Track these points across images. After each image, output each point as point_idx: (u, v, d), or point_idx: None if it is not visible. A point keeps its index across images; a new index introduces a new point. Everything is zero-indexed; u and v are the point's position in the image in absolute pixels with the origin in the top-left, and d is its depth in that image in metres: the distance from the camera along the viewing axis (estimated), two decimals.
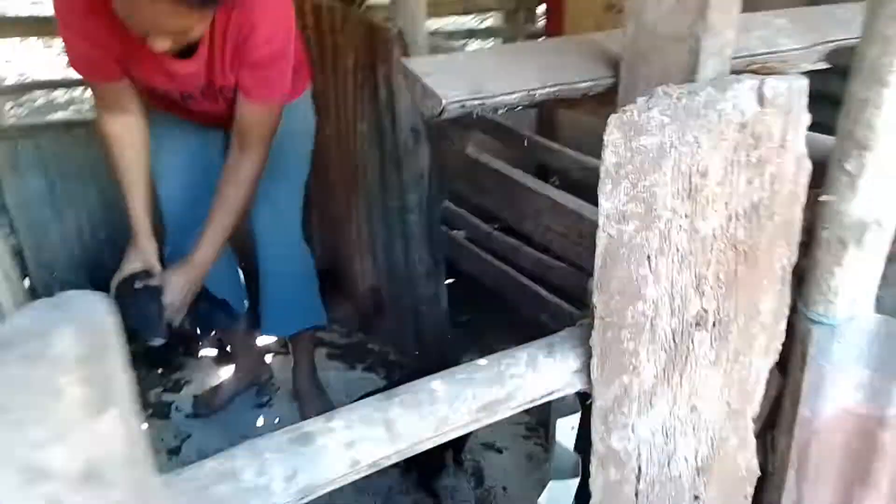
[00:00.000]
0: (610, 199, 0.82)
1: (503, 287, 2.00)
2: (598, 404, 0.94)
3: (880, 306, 0.94)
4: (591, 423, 0.97)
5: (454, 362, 2.46)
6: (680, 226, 0.83)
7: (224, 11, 1.47)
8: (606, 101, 1.29)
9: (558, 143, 1.92)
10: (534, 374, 0.92)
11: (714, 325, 0.90)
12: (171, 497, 0.72)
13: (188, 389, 2.50)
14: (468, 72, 1.20)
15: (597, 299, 0.87)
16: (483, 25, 5.16)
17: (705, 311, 0.89)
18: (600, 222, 0.83)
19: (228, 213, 1.69)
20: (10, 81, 5.06)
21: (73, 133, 2.74)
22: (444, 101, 1.11)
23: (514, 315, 2.17)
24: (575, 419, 1.04)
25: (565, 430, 1.05)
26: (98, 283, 2.85)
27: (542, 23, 3.48)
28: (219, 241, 1.72)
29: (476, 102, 1.15)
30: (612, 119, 0.78)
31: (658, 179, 0.80)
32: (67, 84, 3.78)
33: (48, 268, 2.82)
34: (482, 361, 0.91)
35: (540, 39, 3.28)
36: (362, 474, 0.81)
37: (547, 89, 1.20)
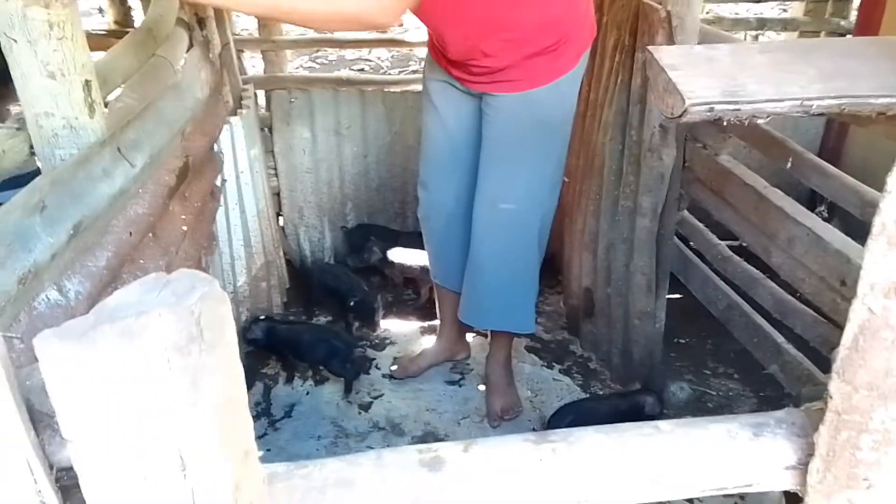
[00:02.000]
0: (880, 263, 0.59)
1: (731, 320, 1.73)
2: None
3: None
4: None
5: (659, 387, 2.25)
6: None
7: None
8: None
9: (842, 166, 1.59)
10: (730, 457, 0.73)
11: None
12: (287, 490, 0.67)
13: (390, 350, 2.58)
14: (727, 68, 0.99)
15: (835, 387, 0.65)
16: (781, 15, 4.57)
17: None
18: (860, 290, 0.61)
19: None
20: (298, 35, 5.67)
21: (343, 91, 2.92)
22: (686, 102, 0.93)
23: (742, 352, 1.88)
24: None
25: None
26: (337, 232, 3.12)
27: (854, 17, 2.93)
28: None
29: (729, 107, 0.95)
30: None
31: None
32: (354, 43, 4.06)
33: (298, 210, 3.08)
34: (665, 425, 0.74)
35: (845, 38, 2.78)
36: None
37: (828, 101, 0.95)
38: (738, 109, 0.94)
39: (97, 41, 2.55)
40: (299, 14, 1.43)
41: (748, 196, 1.59)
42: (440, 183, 2.13)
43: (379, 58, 5.71)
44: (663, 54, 1.02)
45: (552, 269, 2.72)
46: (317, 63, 5.93)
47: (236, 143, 2.34)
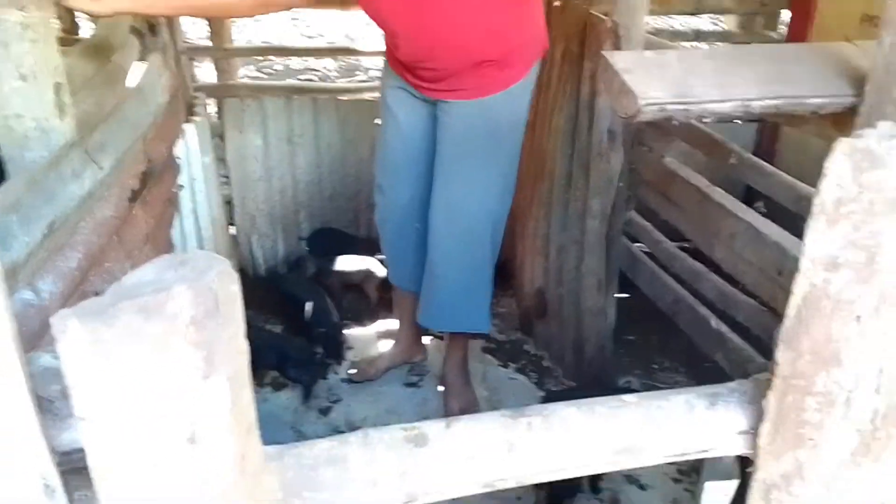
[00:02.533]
0: (821, 240, 0.67)
1: (678, 314, 1.83)
2: (761, 477, 0.80)
3: None
4: (747, 494, 0.82)
5: (610, 382, 2.34)
6: None
7: None
8: (841, 123, 1.10)
9: (778, 164, 1.70)
10: (689, 425, 0.80)
11: None
12: (278, 470, 0.70)
13: (348, 354, 2.59)
14: (676, 72, 1.08)
15: (782, 355, 0.73)
16: (715, 28, 4.80)
17: None
18: (802, 265, 0.68)
19: None
20: (245, 44, 5.61)
21: (295, 99, 2.93)
22: (640, 102, 1.00)
23: (687, 346, 1.98)
24: (729, 487, 0.90)
25: (716, 496, 0.90)
26: (290, 240, 3.11)
27: (784, 30, 3.12)
28: None
29: (679, 107, 1.03)
30: (842, 144, 0.63)
31: (890, 226, 0.64)
32: (302, 52, 4.06)
33: (251, 219, 3.07)
34: (630, 398, 0.80)
35: (782, 45, 2.95)
36: (473, 492, 0.75)
37: (767, 101, 1.04)
38: (687, 110, 1.03)
39: None
40: (218, 4, 1.47)
41: (692, 195, 1.69)
42: (396, 187, 2.17)
43: (326, 67, 5.72)
44: (617, 59, 1.10)
45: (505, 274, 2.78)
46: (263, 73, 5.89)
47: (190, 150, 2.33)
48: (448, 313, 2.17)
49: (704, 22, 5.29)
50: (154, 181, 1.57)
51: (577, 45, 2.04)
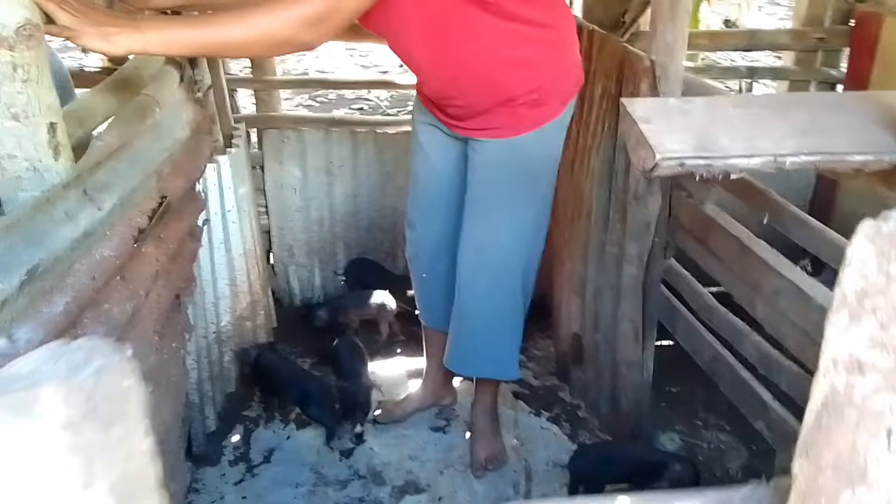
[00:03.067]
0: (842, 338, 0.56)
1: (717, 374, 1.69)
2: None
3: None
4: None
5: (648, 438, 2.19)
6: None
7: None
8: (892, 181, 0.98)
9: (834, 215, 1.56)
10: None
11: None
12: None
13: (375, 394, 2.53)
14: (700, 122, 0.98)
15: (799, 467, 0.62)
16: (773, 64, 4.60)
17: None
18: (822, 365, 0.58)
19: (216, 18, 1.45)
20: (302, 74, 5.70)
21: (334, 131, 2.93)
22: (657, 156, 0.91)
23: (732, 404, 1.83)
24: None
25: None
26: (326, 271, 3.09)
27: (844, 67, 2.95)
28: (185, 32, 1.40)
29: (700, 162, 0.93)
30: (865, 226, 0.53)
31: None
32: (340, 85, 4.09)
33: (288, 249, 3.06)
34: (624, 499, 0.70)
35: (825, 93, 2.77)
36: None
37: (802, 157, 0.93)
38: (710, 165, 0.93)
39: (92, 78, 2.57)
40: (232, 46, 1.40)
41: (732, 246, 1.57)
42: (427, 223, 2.12)
43: (378, 97, 5.76)
44: (637, 107, 1.01)
45: (543, 312, 2.68)
46: (316, 101, 5.98)
47: (224, 181, 2.33)
48: (474, 358, 2.08)
49: (764, 55, 5.09)
50: (170, 217, 1.55)
51: (616, 83, 1.95)
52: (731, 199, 1.76)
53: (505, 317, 2.02)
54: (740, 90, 4.02)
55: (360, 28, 1.69)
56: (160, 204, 1.44)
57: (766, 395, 1.49)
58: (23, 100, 0.96)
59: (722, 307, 1.70)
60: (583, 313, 2.37)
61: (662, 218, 1.86)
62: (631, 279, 1.99)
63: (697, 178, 0.98)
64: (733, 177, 0.95)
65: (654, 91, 1.73)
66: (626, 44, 2.03)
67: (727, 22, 6.64)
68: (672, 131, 0.95)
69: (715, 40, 2.96)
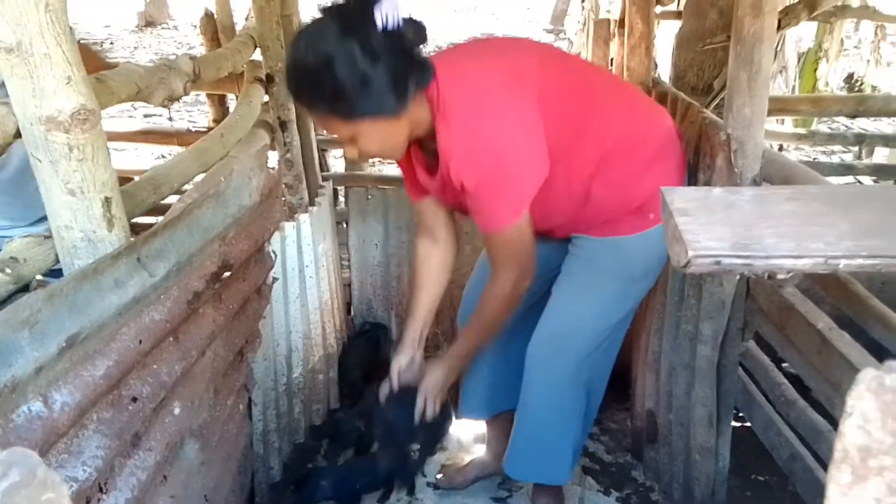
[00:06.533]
0: (847, 499, 0.49)
1: (794, 473, 1.53)
2: None
3: None
4: None
5: None
6: None
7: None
8: None
9: None
10: None
11: None
12: None
13: (440, 456, 2.48)
14: (745, 217, 0.90)
15: None
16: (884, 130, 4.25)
17: None
18: None
19: (479, 319, 1.78)
20: None
21: None
22: (690, 253, 0.84)
23: None
24: None
25: None
26: (402, 326, 3.10)
27: None
28: (472, 342, 1.84)
29: (738, 261, 0.85)
30: (867, 378, 0.46)
31: None
32: None
33: (367, 302, 3.11)
34: None
35: None
36: None
37: (858, 260, 0.83)
38: (751, 265, 0.85)
39: (195, 137, 2.75)
40: (492, 325, 1.77)
41: (811, 337, 1.43)
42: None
43: None
44: (677, 197, 0.95)
45: (622, 384, 2.56)
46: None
47: (303, 238, 2.41)
48: (524, 461, 2.02)
49: (886, 124, 4.72)
50: (233, 278, 1.60)
51: (693, 153, 1.86)
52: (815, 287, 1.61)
53: (564, 419, 1.93)
54: (859, 156, 3.75)
55: None
56: (220, 268, 1.50)
57: None
58: (78, 177, 1.03)
59: (802, 400, 1.55)
60: (657, 391, 2.24)
61: (739, 298, 1.74)
62: (705, 360, 1.86)
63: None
64: (781, 276, 0.86)
65: (730, 166, 1.64)
66: (710, 112, 1.95)
67: (850, 78, 6.25)
68: (712, 225, 0.88)
69: (818, 106, 2.75)
